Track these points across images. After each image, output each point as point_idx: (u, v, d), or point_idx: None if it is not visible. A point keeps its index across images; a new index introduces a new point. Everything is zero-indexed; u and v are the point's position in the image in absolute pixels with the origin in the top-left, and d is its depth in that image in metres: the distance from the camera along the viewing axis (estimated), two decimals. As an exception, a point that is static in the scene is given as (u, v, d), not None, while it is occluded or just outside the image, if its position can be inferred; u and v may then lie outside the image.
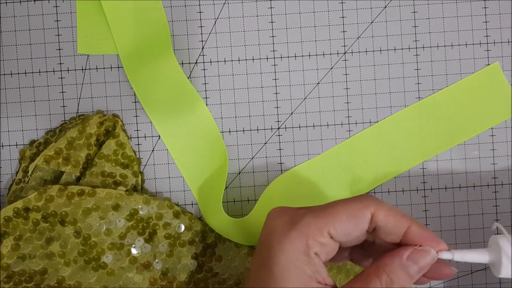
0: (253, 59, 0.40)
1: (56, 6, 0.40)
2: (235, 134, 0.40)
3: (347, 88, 0.40)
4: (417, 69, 0.40)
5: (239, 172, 0.41)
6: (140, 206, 0.38)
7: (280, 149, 0.40)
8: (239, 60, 0.40)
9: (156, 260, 0.39)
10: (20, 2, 0.40)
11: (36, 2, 0.40)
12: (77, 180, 0.39)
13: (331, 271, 0.39)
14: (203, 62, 0.40)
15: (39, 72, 0.40)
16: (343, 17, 0.40)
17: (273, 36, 0.40)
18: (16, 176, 0.40)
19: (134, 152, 0.40)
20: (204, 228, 0.40)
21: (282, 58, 0.40)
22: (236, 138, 0.40)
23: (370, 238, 0.32)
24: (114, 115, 0.40)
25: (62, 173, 0.39)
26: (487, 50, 0.40)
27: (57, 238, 0.38)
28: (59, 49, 0.40)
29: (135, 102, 0.40)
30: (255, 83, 0.40)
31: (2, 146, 0.40)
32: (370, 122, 0.40)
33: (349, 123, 0.40)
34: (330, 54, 0.40)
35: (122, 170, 0.39)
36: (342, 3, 0.40)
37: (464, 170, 0.40)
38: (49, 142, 0.39)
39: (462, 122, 0.40)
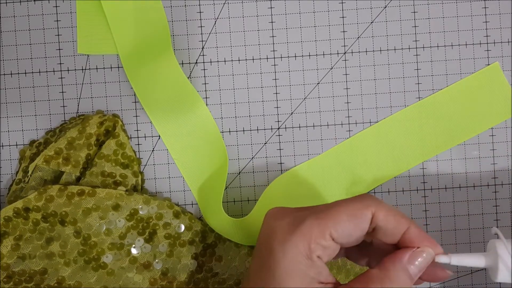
0: (253, 59, 0.40)
1: (56, 6, 0.40)
2: (235, 134, 0.40)
3: (347, 88, 0.40)
4: (417, 69, 0.40)
5: (239, 172, 0.41)
6: (140, 206, 0.38)
7: (280, 149, 0.40)
8: (239, 60, 0.40)
9: (156, 260, 0.39)
10: (20, 2, 0.40)
11: (36, 2, 0.40)
12: (77, 180, 0.39)
13: (331, 271, 0.39)
14: (203, 62, 0.40)
15: (39, 72, 0.40)
16: (343, 17, 0.40)
17: (273, 36, 0.40)
18: (16, 176, 0.40)
19: (134, 152, 0.40)
20: (204, 228, 0.40)
21: (282, 58, 0.40)
22: (236, 138, 0.40)
23: (367, 239, 0.32)
24: (114, 115, 0.40)
25: (62, 173, 0.39)
26: (487, 50, 0.40)
27: (57, 238, 0.38)
28: (59, 49, 0.40)
29: (135, 102, 0.40)
30: (255, 83, 0.40)
31: (2, 146, 0.40)
32: (370, 122, 0.40)
33: (349, 123, 0.40)
34: (330, 54, 0.40)
35: (122, 170, 0.39)
36: (342, 3, 0.40)
37: (464, 170, 0.40)
38: (49, 142, 0.39)
39: (462, 122, 0.40)
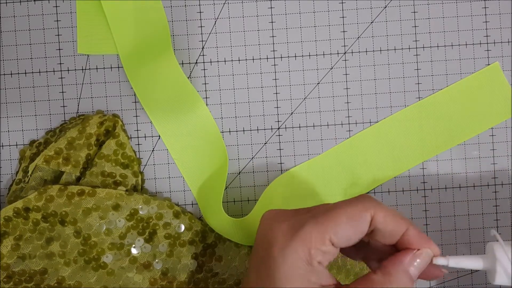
0: (253, 59, 0.40)
1: (56, 6, 0.40)
2: (235, 134, 0.40)
3: (347, 88, 0.40)
4: (417, 69, 0.40)
5: (239, 172, 0.41)
6: (140, 206, 0.38)
7: (280, 149, 0.40)
8: (239, 60, 0.40)
9: (156, 260, 0.39)
10: (20, 2, 0.40)
11: (36, 2, 0.40)
12: (77, 180, 0.39)
13: (331, 271, 0.39)
14: (203, 62, 0.40)
15: (39, 72, 0.40)
16: (343, 17, 0.40)
17: (273, 36, 0.40)
18: (16, 176, 0.40)
19: (134, 152, 0.40)
20: (204, 228, 0.40)
21: (282, 58, 0.40)
22: (236, 138, 0.40)
23: (365, 239, 0.32)
24: (114, 115, 0.40)
25: (62, 173, 0.39)
26: (487, 50, 0.40)
27: (57, 238, 0.38)
28: (59, 49, 0.40)
29: (135, 102, 0.40)
30: (255, 83, 0.40)
31: (2, 146, 0.40)
32: (370, 122, 0.40)
33: (349, 123, 0.40)
34: (330, 54, 0.40)
35: (122, 170, 0.39)
36: (342, 3, 0.40)
37: (464, 170, 0.40)
38: (49, 142, 0.39)
39: (462, 122, 0.40)
